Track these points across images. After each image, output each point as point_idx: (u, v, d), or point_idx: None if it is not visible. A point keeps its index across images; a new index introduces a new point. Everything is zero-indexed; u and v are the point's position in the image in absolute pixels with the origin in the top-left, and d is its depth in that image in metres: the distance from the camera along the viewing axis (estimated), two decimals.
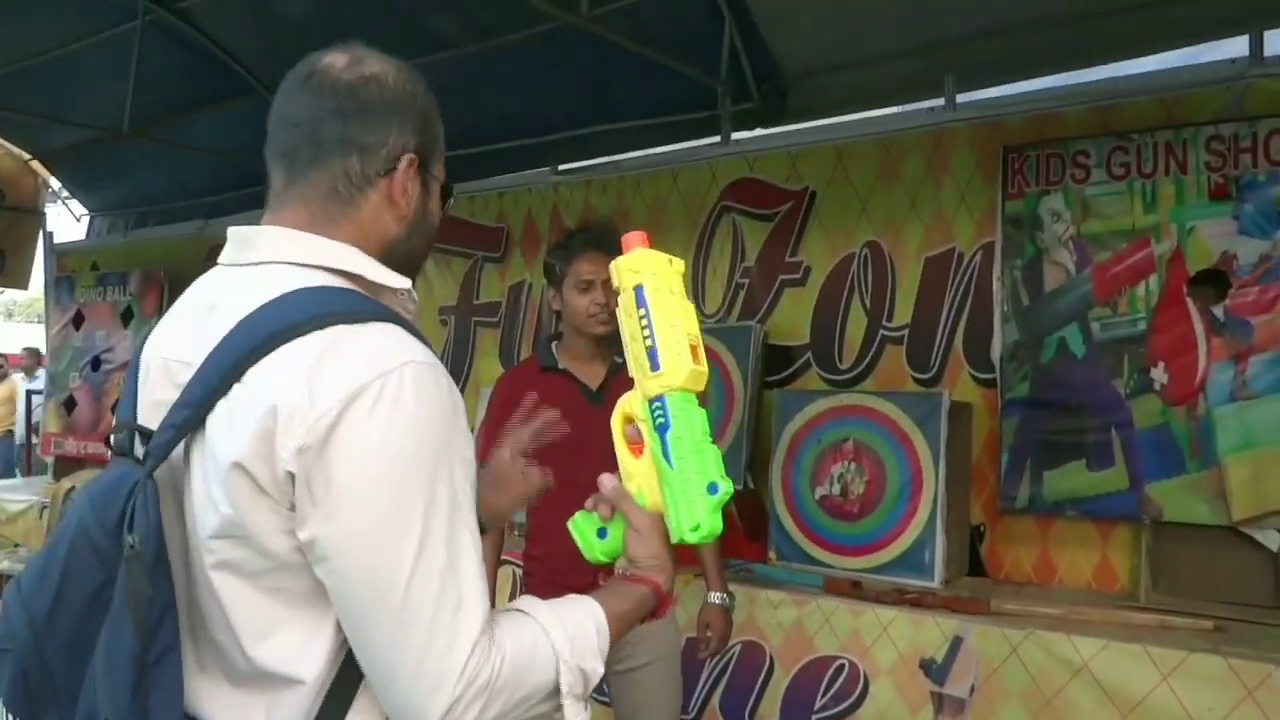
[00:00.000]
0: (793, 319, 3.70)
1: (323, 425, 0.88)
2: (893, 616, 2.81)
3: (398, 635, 0.88)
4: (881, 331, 3.51)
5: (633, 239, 1.16)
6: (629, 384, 2.47)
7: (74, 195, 6.47)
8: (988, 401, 3.26)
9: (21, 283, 6.65)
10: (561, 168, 4.31)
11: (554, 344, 2.58)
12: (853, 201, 3.57)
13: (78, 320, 6.03)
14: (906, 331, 3.45)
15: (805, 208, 3.68)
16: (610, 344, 2.51)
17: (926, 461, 3.07)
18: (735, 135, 3.88)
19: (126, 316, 5.77)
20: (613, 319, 2.44)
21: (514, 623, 0.99)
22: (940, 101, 3.35)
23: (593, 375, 2.50)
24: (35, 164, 6.25)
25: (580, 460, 2.35)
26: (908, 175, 3.46)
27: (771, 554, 3.32)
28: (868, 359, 3.54)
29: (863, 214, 3.55)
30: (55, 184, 6.41)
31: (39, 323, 14.23)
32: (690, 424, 1.09)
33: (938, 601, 2.83)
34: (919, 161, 3.43)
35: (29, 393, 9.66)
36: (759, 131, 3.91)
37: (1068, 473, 3.04)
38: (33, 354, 10.46)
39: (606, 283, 2.40)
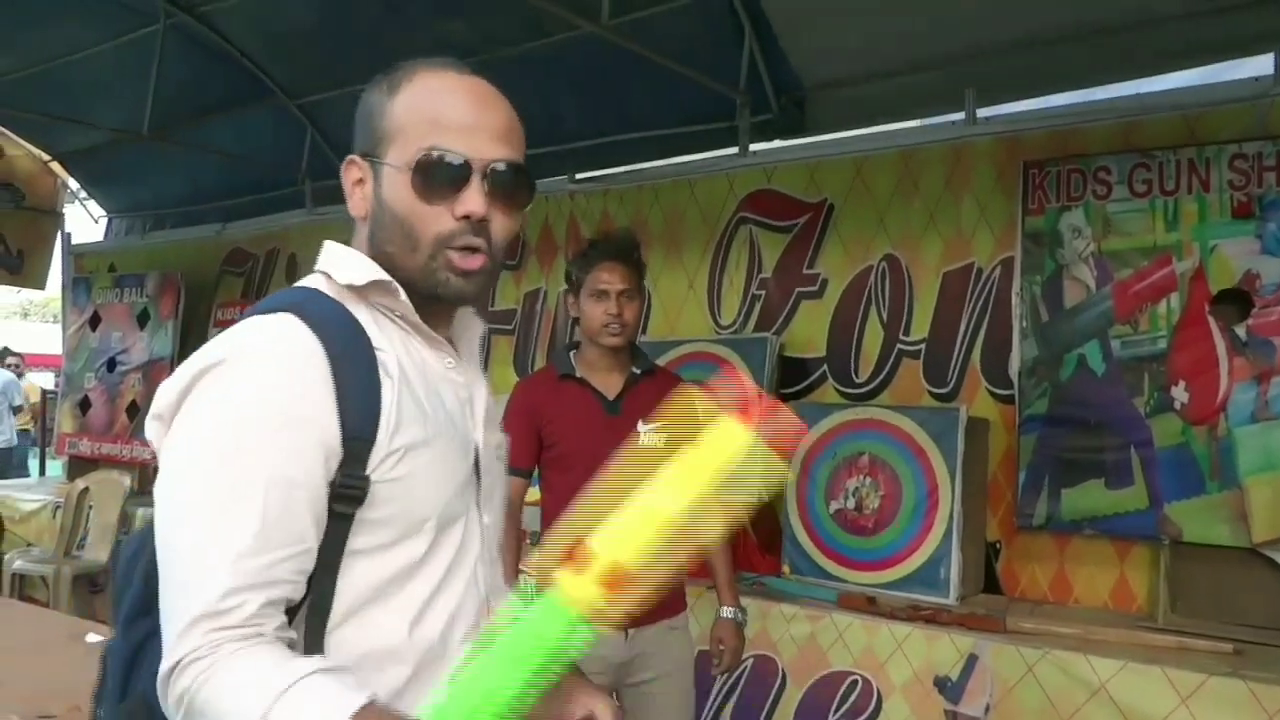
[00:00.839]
0: (809, 331, 3.69)
1: (170, 395, 0.98)
2: (907, 633, 2.78)
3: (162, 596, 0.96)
4: (898, 345, 3.50)
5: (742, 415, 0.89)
6: (648, 395, 2.47)
7: (93, 196, 6.50)
8: (1005, 418, 3.24)
9: (39, 283, 6.69)
10: (579, 176, 4.32)
11: (572, 353, 2.57)
12: (871, 214, 3.56)
13: (94, 321, 6.05)
14: (924, 346, 3.44)
15: (823, 220, 3.67)
16: (629, 354, 2.51)
17: (943, 477, 3.06)
18: (754, 146, 3.87)
19: (143, 318, 5.78)
20: (625, 330, 2.43)
21: (264, 665, 0.89)
22: (961, 115, 3.35)
23: (610, 385, 2.50)
24: (54, 165, 6.29)
25: (595, 472, 2.53)
26: (927, 189, 3.45)
27: (785, 568, 3.31)
28: (884, 373, 3.52)
29: (881, 227, 3.54)
30: (74, 185, 6.45)
31: (55, 323, 14.32)
32: (530, 644, 0.85)
33: (953, 618, 2.81)
34: (938, 175, 3.42)
35: (44, 392, 9.71)
36: (777, 143, 3.91)
37: (1086, 491, 3.02)
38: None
39: (622, 293, 2.42)
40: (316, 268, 1.11)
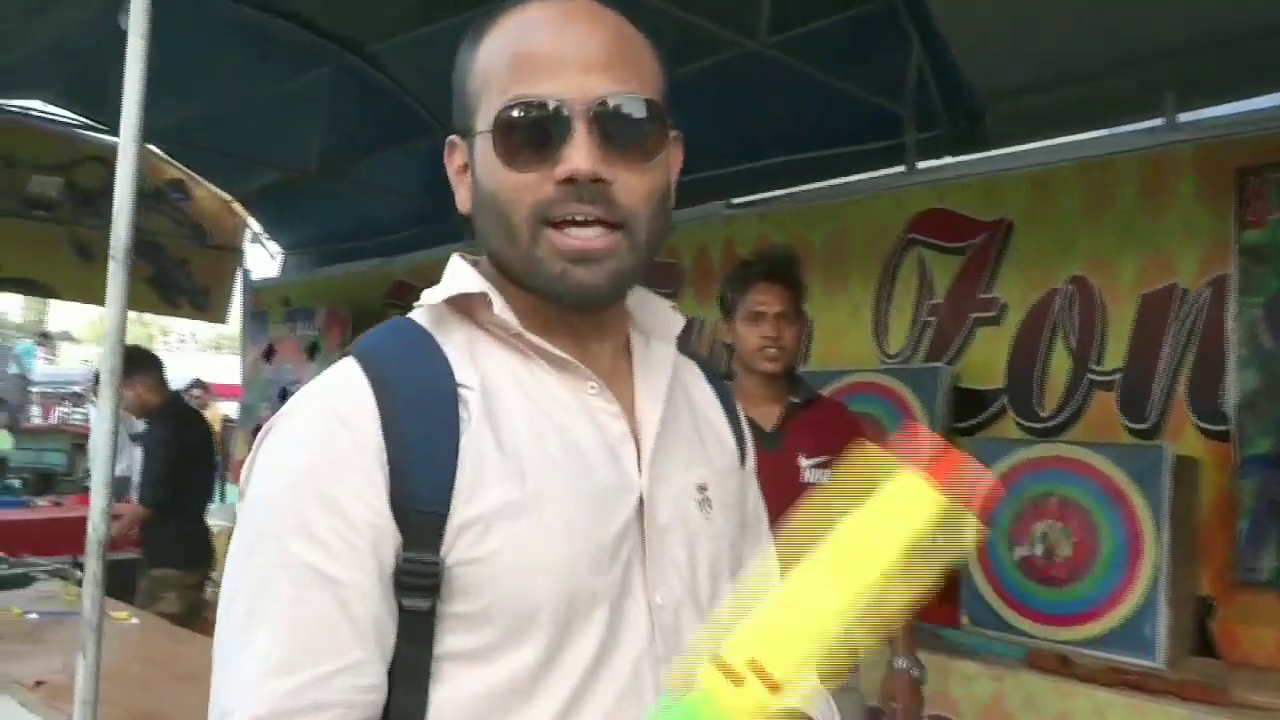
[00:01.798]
0: (987, 361, 3.40)
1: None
2: (1110, 700, 2.47)
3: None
4: (1089, 376, 3.17)
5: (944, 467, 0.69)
6: (810, 426, 2.25)
7: (269, 234, 6.82)
8: (1217, 457, 2.87)
9: (221, 317, 7.05)
10: (734, 201, 4.18)
11: (729, 382, 2.42)
12: (1057, 233, 3.26)
13: (268, 353, 6.32)
14: (1119, 376, 3.10)
15: (1002, 240, 3.39)
16: (788, 382, 2.33)
17: (1146, 523, 2.73)
18: (921, 164, 3.64)
19: (313, 350, 5.99)
20: (783, 354, 2.24)
21: None
22: (1158, 121, 3.03)
23: (767, 417, 2.30)
24: (235, 205, 6.62)
25: None
26: (1120, 203, 3.13)
27: (964, 618, 3.03)
28: (1073, 406, 3.20)
29: (1068, 246, 3.23)
30: (254, 224, 6.78)
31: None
32: None
33: (1164, 686, 2.48)
34: (1133, 188, 3.10)
35: (225, 421, 10.26)
36: (948, 159, 3.66)
37: None
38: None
39: (780, 315, 2.24)
40: None
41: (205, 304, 6.80)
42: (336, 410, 0.78)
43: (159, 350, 5.68)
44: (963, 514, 0.68)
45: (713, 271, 4.24)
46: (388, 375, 0.79)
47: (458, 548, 0.75)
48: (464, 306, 0.86)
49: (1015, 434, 3.29)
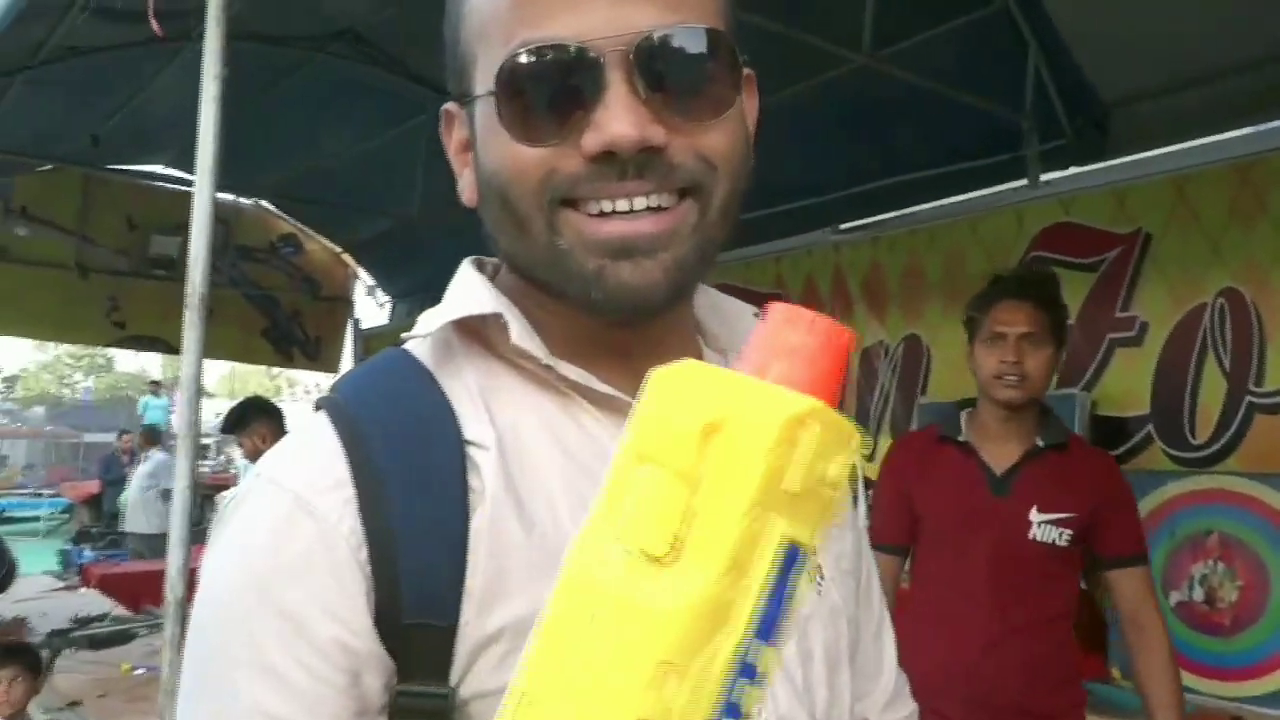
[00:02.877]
0: (1127, 385, 3.11)
1: None
2: None
3: None
4: (1248, 399, 2.85)
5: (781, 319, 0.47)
6: (1052, 475, 1.97)
7: (378, 283, 6.92)
8: None
9: (333, 367, 7.16)
10: (843, 226, 3.98)
11: (966, 411, 2.17)
12: (1201, 243, 2.96)
13: None
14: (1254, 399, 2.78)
15: (1139, 253, 3.11)
16: (1036, 421, 2.06)
17: None
18: (1044, 176, 3.39)
19: None
20: (1025, 383, 1.98)
21: None
22: None
23: (1001, 456, 2.05)
24: (346, 256, 6.75)
25: (963, 559, 2.00)
26: (1275, 206, 2.82)
27: (1114, 671, 2.73)
28: (1230, 433, 2.88)
29: (1215, 257, 2.93)
30: (364, 275, 6.90)
31: None
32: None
33: None
34: None
35: None
36: (1073, 170, 3.40)
37: None
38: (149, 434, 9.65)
39: (1024, 337, 1.98)
40: None
41: (317, 354, 6.93)
42: (297, 491, 0.57)
43: (285, 402, 5.78)
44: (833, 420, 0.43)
45: (821, 302, 4.04)
46: (369, 436, 0.58)
47: (475, 673, 0.56)
48: (477, 332, 0.65)
49: (1164, 465, 2.98)
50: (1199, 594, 2.64)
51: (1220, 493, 2.67)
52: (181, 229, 5.98)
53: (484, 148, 0.62)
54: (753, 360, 0.45)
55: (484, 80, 0.60)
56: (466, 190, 0.67)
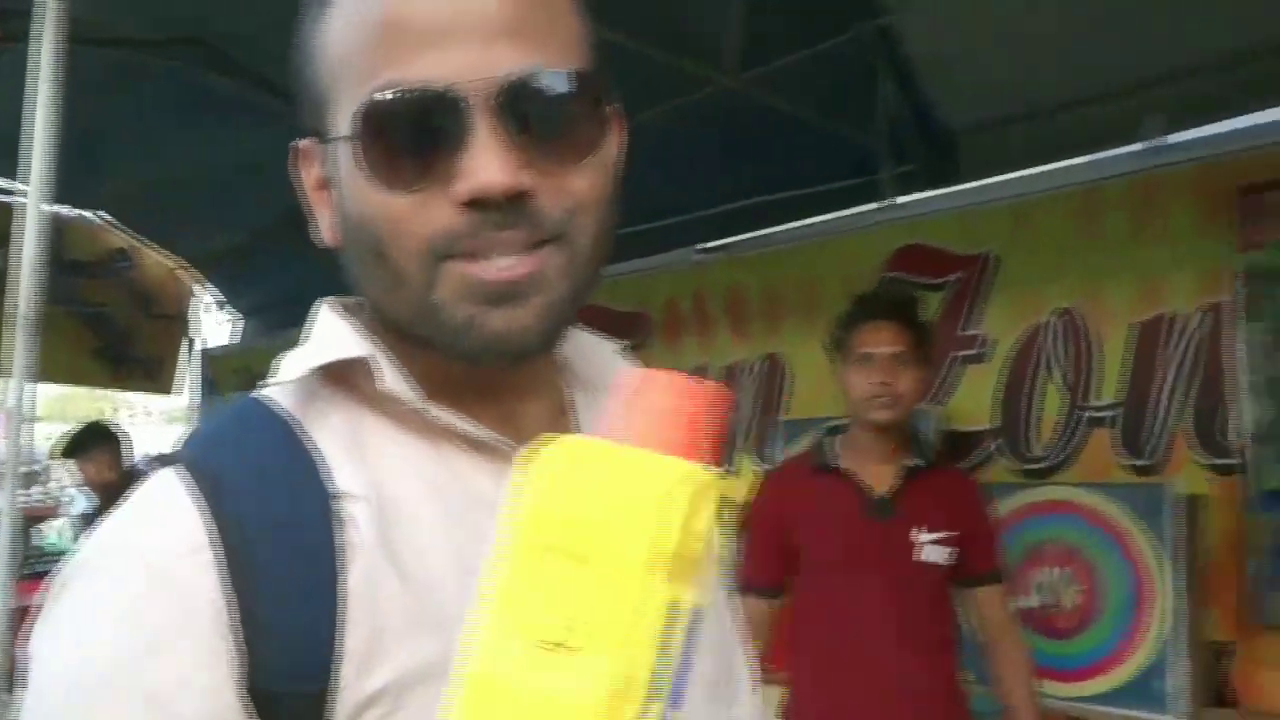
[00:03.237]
0: (974, 400, 3.24)
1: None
2: None
3: None
4: (1083, 412, 3.02)
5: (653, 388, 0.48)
6: (930, 494, 1.98)
7: (227, 300, 6.59)
8: (1225, 493, 2.70)
9: (170, 388, 6.78)
10: (701, 247, 4.03)
11: (837, 436, 2.14)
12: (1040, 265, 3.13)
13: None
14: (1116, 412, 2.95)
15: (984, 274, 3.25)
16: (906, 440, 2.08)
17: (1154, 566, 2.57)
18: (898, 199, 3.52)
19: None
20: (898, 404, 2.01)
21: None
22: (1147, 144, 2.93)
23: (879, 479, 2.06)
24: (183, 271, 6.41)
25: (853, 588, 1.97)
26: (1109, 231, 3.00)
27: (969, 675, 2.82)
28: (1069, 445, 3.03)
29: (1054, 278, 3.10)
30: (211, 290, 6.56)
31: None
32: None
33: None
34: (1122, 215, 2.97)
35: None
36: (924, 194, 3.55)
37: None
38: None
39: (893, 358, 2.02)
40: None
41: (157, 375, 6.54)
42: (152, 560, 0.53)
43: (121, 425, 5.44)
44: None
45: (683, 321, 4.08)
46: (227, 493, 0.55)
47: None
48: (343, 376, 0.63)
49: (1008, 477, 3.11)
50: (1041, 600, 2.75)
51: (1060, 503, 2.80)
52: (3, 242, 5.58)
53: (348, 192, 0.60)
54: (623, 428, 0.46)
55: (344, 120, 0.58)
56: (326, 231, 0.65)
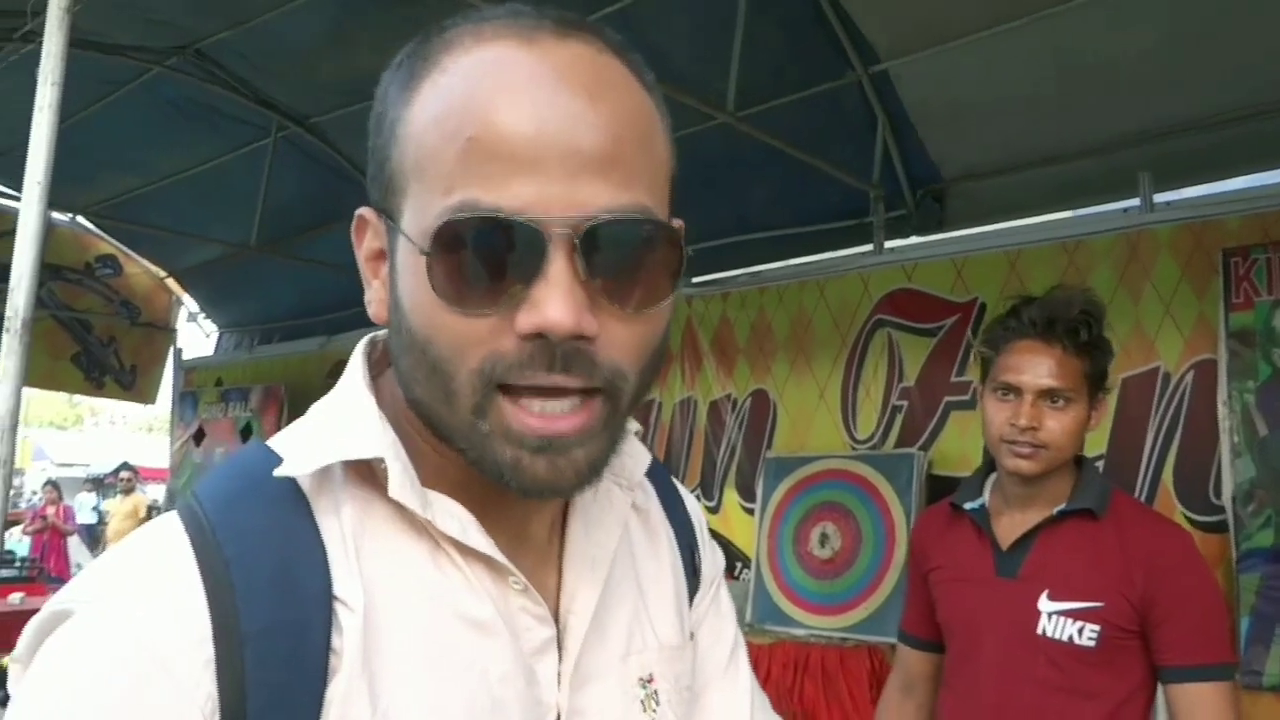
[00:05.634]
0: (961, 446, 3.25)
1: (22, 645, 0.57)
2: None
3: None
4: None
5: None
6: (1072, 552, 1.56)
7: (205, 312, 6.54)
8: (1209, 549, 2.72)
9: (149, 398, 6.70)
10: (695, 280, 4.04)
11: (993, 475, 1.72)
12: None
13: (199, 436, 5.98)
14: (1101, 464, 2.96)
15: (974, 321, 3.28)
16: (1070, 477, 1.62)
17: None
18: (889, 243, 3.54)
19: (246, 432, 5.67)
20: (1040, 455, 1.54)
21: None
22: (1132, 203, 2.96)
23: (1012, 528, 1.61)
24: (170, 282, 6.35)
25: (970, 662, 1.62)
26: (1097, 285, 3.02)
27: None
28: None
29: None
30: (189, 301, 6.50)
31: None
32: None
33: None
34: (1110, 270, 3.01)
35: (149, 508, 9.79)
36: (916, 240, 3.58)
37: None
38: None
39: (1045, 395, 1.54)
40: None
41: (132, 384, 6.45)
42: (156, 646, 0.52)
43: (87, 431, 5.34)
44: None
45: (672, 355, 4.07)
46: (236, 584, 0.54)
47: None
48: (360, 463, 0.62)
49: None
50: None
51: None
52: None
53: (410, 297, 0.58)
54: None
55: (415, 220, 0.57)
56: (375, 305, 0.64)
